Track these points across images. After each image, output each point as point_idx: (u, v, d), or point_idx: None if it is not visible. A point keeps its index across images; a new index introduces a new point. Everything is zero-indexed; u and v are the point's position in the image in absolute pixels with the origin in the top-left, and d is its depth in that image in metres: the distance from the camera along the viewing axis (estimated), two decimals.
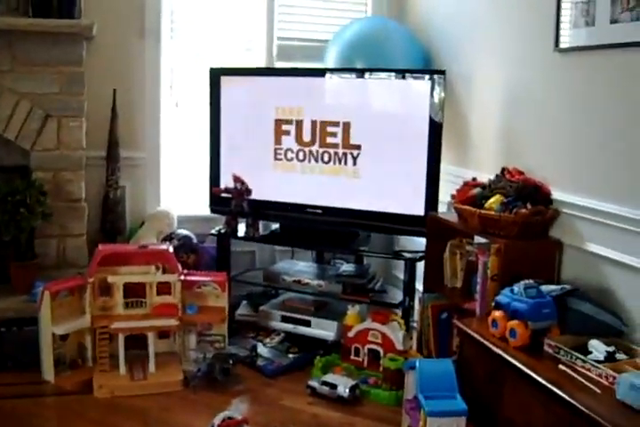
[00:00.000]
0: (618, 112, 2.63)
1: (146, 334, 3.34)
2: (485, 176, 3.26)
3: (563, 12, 2.90)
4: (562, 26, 2.91)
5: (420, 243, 3.72)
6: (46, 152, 3.75)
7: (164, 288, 3.44)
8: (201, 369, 3.33)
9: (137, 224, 4.16)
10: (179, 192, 4.42)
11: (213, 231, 4.05)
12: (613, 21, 2.60)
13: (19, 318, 3.45)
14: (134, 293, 3.41)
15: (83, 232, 3.88)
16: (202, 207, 4.21)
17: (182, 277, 3.46)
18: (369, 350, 3.41)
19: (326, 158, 3.83)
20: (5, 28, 3.54)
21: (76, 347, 3.42)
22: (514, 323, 2.49)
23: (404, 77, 3.62)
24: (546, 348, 2.43)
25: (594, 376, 2.22)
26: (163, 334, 3.49)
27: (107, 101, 4.05)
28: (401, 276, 3.89)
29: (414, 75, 3.60)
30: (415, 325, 3.64)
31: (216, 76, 4.02)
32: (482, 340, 2.59)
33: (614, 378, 2.13)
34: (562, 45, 2.93)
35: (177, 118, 4.38)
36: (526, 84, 3.22)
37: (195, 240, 4.13)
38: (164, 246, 3.62)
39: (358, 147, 3.75)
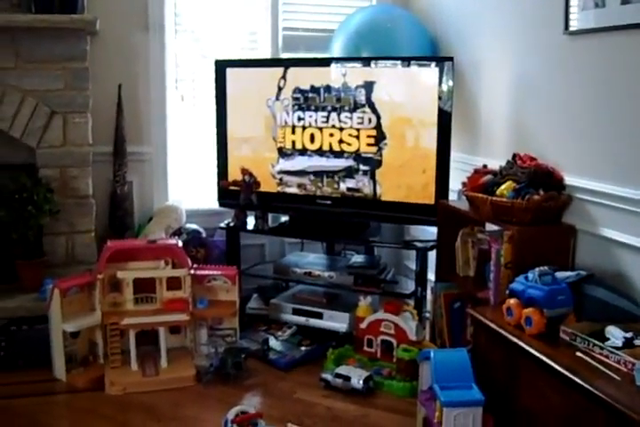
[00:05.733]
0: (630, 94, 2.58)
1: (157, 330, 3.33)
2: (496, 163, 3.22)
3: None
4: (571, 8, 2.86)
5: (429, 232, 3.70)
6: (52, 149, 3.72)
7: (173, 283, 3.41)
8: (213, 364, 3.31)
9: (145, 219, 4.14)
10: (186, 186, 4.39)
11: (222, 225, 4.02)
12: (625, 2, 2.54)
13: (29, 317, 3.44)
14: (144, 288, 3.40)
15: (91, 229, 3.85)
16: (210, 201, 4.19)
17: (192, 272, 3.44)
18: (382, 341, 3.38)
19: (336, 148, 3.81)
20: (8, 25, 3.50)
21: (87, 344, 3.41)
22: (529, 311, 2.45)
23: (410, 65, 3.58)
24: (562, 335, 2.39)
25: (612, 363, 2.17)
26: (173, 329, 3.48)
27: (112, 97, 4.03)
28: (411, 266, 3.86)
29: (422, 62, 3.56)
30: (428, 315, 3.62)
31: (221, 68, 3.99)
32: (497, 328, 2.55)
33: (633, 364, 2.08)
34: (571, 28, 2.87)
35: (183, 112, 4.34)
36: (536, 69, 3.16)
37: (204, 234, 4.11)
38: (173, 241, 3.59)
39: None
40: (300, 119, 3.85)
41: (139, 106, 4.14)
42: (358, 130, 3.72)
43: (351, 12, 4.21)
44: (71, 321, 3.27)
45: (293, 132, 3.88)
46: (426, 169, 3.56)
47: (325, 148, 3.81)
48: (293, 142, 3.89)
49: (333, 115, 3.77)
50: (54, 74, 3.67)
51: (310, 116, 3.82)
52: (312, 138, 3.84)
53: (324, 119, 3.79)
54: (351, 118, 3.73)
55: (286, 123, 3.89)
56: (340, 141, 3.77)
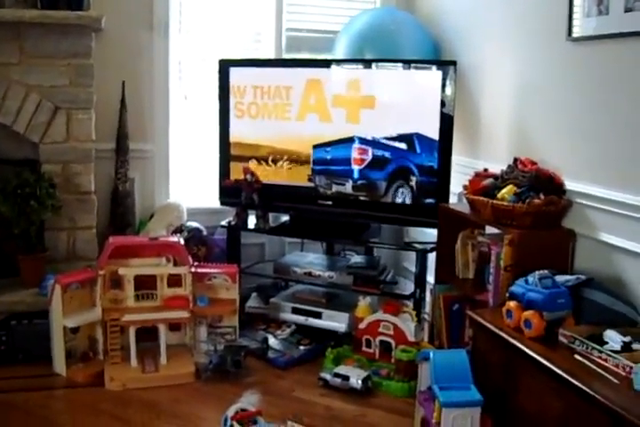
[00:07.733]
0: (631, 100, 2.60)
1: (157, 327, 3.34)
2: (497, 167, 3.24)
3: (575, 2, 2.86)
4: (574, 15, 2.88)
5: (429, 234, 3.72)
6: (55, 145, 3.73)
7: (174, 280, 3.43)
8: (212, 361, 3.33)
9: (146, 217, 4.15)
10: (188, 185, 4.40)
11: (223, 223, 4.04)
12: (628, 10, 2.57)
13: (29, 312, 3.46)
14: (145, 285, 3.41)
15: (92, 225, 3.86)
16: (211, 200, 4.20)
17: (193, 270, 3.45)
18: (380, 341, 3.40)
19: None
20: (14, 20, 3.50)
21: (87, 340, 3.42)
22: (529, 313, 2.47)
23: (414, 68, 3.59)
24: (561, 338, 2.41)
25: (610, 366, 2.20)
26: (173, 326, 3.49)
27: (115, 94, 4.04)
28: (410, 267, 3.89)
29: (425, 65, 3.57)
30: (426, 316, 3.64)
31: (225, 67, 4.00)
32: (496, 330, 2.57)
33: (631, 368, 2.11)
34: (574, 35, 2.90)
35: (186, 111, 4.35)
36: (538, 74, 3.19)
37: (205, 232, 4.12)
38: (174, 239, 3.60)
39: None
40: None
41: (142, 103, 4.15)
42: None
43: (355, 13, 4.23)
44: (71, 317, 3.29)
45: None
46: None
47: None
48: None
49: None
50: (59, 70, 3.67)
51: None
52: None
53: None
54: None
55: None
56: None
